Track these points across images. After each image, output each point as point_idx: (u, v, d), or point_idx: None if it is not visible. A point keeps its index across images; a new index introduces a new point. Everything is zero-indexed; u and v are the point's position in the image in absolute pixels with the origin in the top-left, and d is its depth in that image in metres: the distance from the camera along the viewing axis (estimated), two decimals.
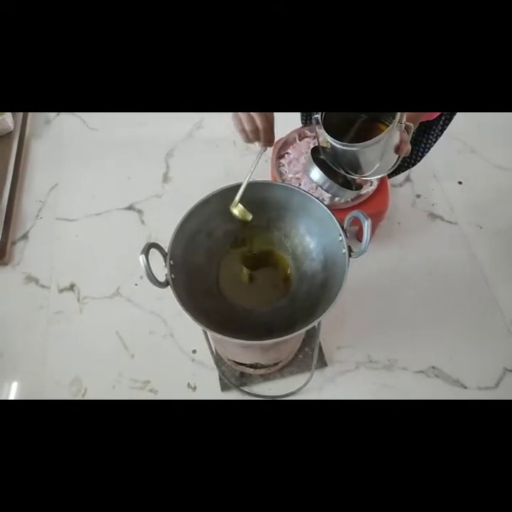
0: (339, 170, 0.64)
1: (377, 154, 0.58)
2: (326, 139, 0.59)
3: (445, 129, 0.95)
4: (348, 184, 0.66)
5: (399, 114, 0.54)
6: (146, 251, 0.56)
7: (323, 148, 0.66)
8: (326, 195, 0.88)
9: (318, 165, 0.62)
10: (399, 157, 0.61)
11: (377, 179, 0.94)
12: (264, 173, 1.23)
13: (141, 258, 0.55)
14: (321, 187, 0.62)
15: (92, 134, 1.38)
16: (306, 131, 1.02)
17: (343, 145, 0.56)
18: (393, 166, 0.62)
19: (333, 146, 0.59)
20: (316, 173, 0.61)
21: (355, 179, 0.67)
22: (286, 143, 1.02)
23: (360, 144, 0.55)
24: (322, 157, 0.64)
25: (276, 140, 1.02)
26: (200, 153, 1.32)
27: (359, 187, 0.86)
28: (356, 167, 0.61)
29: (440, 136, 0.97)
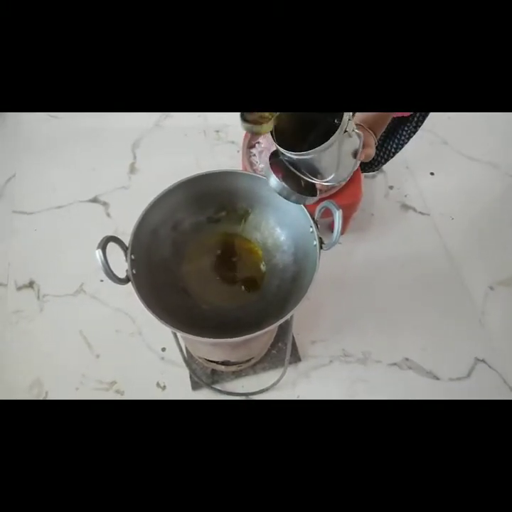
0: (299, 173, 0.61)
1: (332, 160, 0.55)
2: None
3: (419, 127, 0.94)
4: (310, 187, 0.63)
5: (345, 119, 0.51)
6: (102, 245, 0.52)
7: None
8: None
9: (280, 167, 0.59)
10: (357, 162, 0.58)
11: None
12: (235, 163, 1.19)
13: (98, 253, 0.52)
14: (279, 194, 0.58)
15: (53, 122, 1.30)
16: None
17: (291, 153, 0.54)
18: (352, 171, 0.59)
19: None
20: (274, 181, 0.57)
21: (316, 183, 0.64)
22: None
23: (308, 151, 0.52)
24: (281, 158, 0.61)
25: None
26: (169, 143, 1.27)
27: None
28: (315, 172, 0.58)
29: (414, 133, 0.96)
